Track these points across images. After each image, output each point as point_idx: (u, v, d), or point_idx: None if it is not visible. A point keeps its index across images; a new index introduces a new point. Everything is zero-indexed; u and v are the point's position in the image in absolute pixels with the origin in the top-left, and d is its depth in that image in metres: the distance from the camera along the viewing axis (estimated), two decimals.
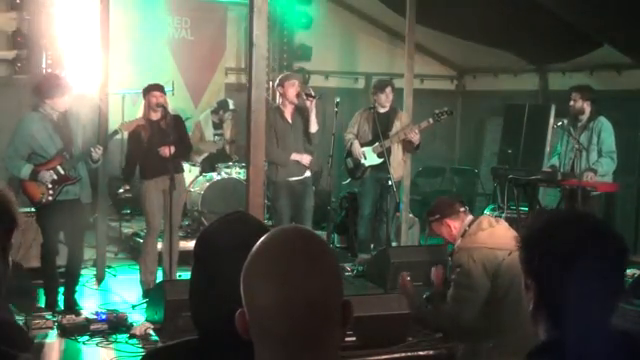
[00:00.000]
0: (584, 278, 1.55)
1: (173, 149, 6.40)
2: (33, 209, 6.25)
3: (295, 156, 6.97)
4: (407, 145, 7.59)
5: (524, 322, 3.80)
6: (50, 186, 5.98)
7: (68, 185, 6.05)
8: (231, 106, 9.25)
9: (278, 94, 7.15)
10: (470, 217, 4.30)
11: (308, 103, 6.88)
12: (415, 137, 7.39)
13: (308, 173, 7.10)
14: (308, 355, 1.27)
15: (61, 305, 6.12)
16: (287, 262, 1.27)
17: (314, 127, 6.97)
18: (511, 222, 7.67)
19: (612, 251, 1.59)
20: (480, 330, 4.12)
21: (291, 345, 1.26)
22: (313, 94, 6.91)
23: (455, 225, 4.30)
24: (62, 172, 6.02)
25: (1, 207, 1.76)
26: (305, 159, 7.02)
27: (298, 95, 6.92)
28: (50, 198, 5.98)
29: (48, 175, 5.97)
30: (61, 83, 6.14)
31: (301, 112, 7.00)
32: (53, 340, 5.48)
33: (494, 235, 4.12)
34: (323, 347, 1.28)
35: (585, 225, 1.62)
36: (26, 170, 5.95)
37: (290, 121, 6.99)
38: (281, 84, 7.01)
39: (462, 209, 4.33)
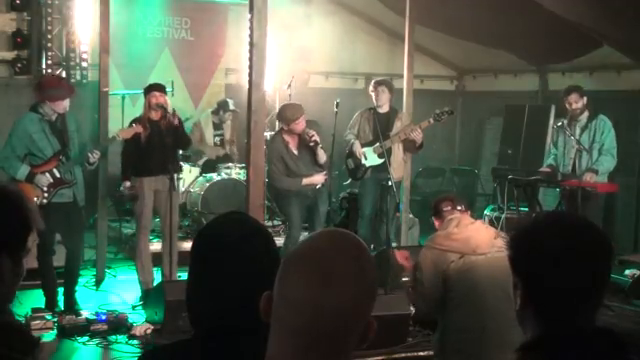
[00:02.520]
0: (570, 276, 1.58)
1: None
2: None
3: (307, 181, 6.94)
4: (409, 145, 7.54)
5: (479, 327, 3.89)
6: (45, 189, 5.97)
7: (63, 188, 6.04)
8: (231, 106, 9.24)
9: (280, 124, 7.05)
10: (452, 216, 4.31)
11: (312, 144, 6.87)
12: (418, 136, 7.35)
13: (319, 186, 7.07)
14: (318, 357, 1.27)
15: (61, 305, 6.12)
16: (330, 265, 1.27)
17: (322, 159, 6.98)
18: (511, 222, 7.74)
19: (598, 251, 1.63)
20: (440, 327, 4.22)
21: (306, 342, 1.26)
22: (318, 140, 6.86)
23: (438, 224, 4.42)
24: (58, 175, 6.00)
25: (18, 211, 1.75)
26: (317, 179, 6.99)
27: (306, 134, 6.87)
28: (44, 201, 5.97)
29: (45, 178, 5.95)
30: (63, 86, 6.13)
31: (307, 143, 6.95)
32: (53, 340, 5.49)
33: (450, 237, 4.18)
34: (336, 354, 1.28)
35: (570, 225, 1.66)
36: (23, 171, 5.93)
37: (296, 152, 6.97)
38: (287, 123, 6.89)
39: (446, 208, 4.37)
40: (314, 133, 6.88)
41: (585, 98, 7.24)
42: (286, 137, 6.97)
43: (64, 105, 6.04)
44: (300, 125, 6.88)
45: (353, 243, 1.32)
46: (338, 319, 1.26)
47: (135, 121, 6.66)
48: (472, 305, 4.01)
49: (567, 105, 7.29)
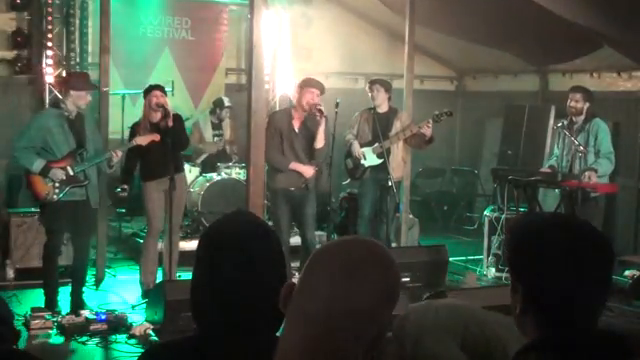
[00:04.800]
0: (571, 279, 1.57)
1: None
2: (38, 208, 6.26)
3: (295, 165, 6.71)
4: (417, 140, 7.43)
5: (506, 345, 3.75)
6: (57, 185, 5.97)
7: (75, 187, 6.05)
8: (226, 103, 9.23)
9: (294, 95, 6.88)
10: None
11: (318, 117, 6.64)
12: (428, 130, 7.29)
13: (306, 185, 6.77)
14: (327, 352, 1.30)
15: (61, 305, 6.12)
16: (357, 266, 1.32)
17: (320, 143, 6.71)
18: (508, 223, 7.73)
19: (599, 254, 1.61)
20: None
21: (319, 334, 1.30)
22: (324, 112, 6.61)
23: None
24: (71, 173, 6.02)
25: None
26: (307, 171, 6.74)
27: (313, 106, 6.63)
28: (55, 197, 5.98)
29: (60, 173, 5.97)
30: (87, 79, 6.22)
31: (310, 123, 6.77)
32: (53, 340, 5.49)
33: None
34: (344, 353, 1.31)
35: (570, 227, 1.64)
36: (38, 164, 5.93)
37: (297, 129, 6.75)
38: (300, 87, 6.79)
39: None
40: (321, 105, 6.62)
41: (588, 104, 7.23)
42: (293, 112, 6.81)
43: (87, 99, 6.11)
44: (311, 96, 6.64)
45: (384, 253, 1.37)
46: (354, 317, 1.30)
47: (135, 125, 6.66)
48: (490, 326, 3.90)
49: (568, 101, 7.30)
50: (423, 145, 7.53)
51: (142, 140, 6.38)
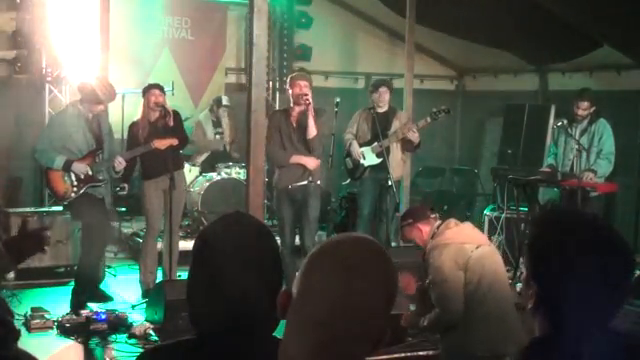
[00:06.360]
0: (588, 285, 1.56)
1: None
2: (63, 208, 6.30)
3: (296, 158, 6.55)
4: (407, 144, 7.51)
5: (490, 315, 3.94)
6: (76, 183, 6.01)
7: (94, 186, 6.09)
8: (224, 102, 9.22)
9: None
10: (439, 221, 4.48)
11: (304, 106, 6.46)
12: (414, 136, 7.32)
13: (311, 179, 6.55)
14: (334, 352, 1.29)
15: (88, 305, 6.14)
16: (359, 264, 1.31)
17: (311, 132, 6.49)
18: (510, 222, 7.74)
19: (619, 261, 1.60)
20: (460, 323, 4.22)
21: (325, 337, 1.29)
22: (309, 100, 6.40)
23: (426, 229, 4.45)
24: (90, 172, 6.06)
25: None
26: (309, 162, 6.55)
27: (299, 96, 6.47)
28: (73, 195, 6.04)
29: (82, 167, 6.03)
30: (95, 93, 6.16)
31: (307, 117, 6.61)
32: (53, 340, 5.49)
33: (461, 232, 4.34)
34: (351, 354, 1.31)
35: (595, 232, 1.62)
36: (60, 160, 6.00)
37: (294, 124, 6.61)
38: (289, 84, 6.70)
39: (432, 215, 4.53)
40: (309, 97, 6.44)
41: (593, 108, 7.21)
42: (289, 109, 6.68)
43: (99, 108, 6.18)
44: (297, 89, 6.48)
45: (380, 249, 1.37)
46: (358, 316, 1.29)
47: (133, 125, 6.66)
48: (493, 293, 4.13)
49: (575, 108, 7.23)
50: (412, 149, 7.60)
51: (160, 144, 6.32)
